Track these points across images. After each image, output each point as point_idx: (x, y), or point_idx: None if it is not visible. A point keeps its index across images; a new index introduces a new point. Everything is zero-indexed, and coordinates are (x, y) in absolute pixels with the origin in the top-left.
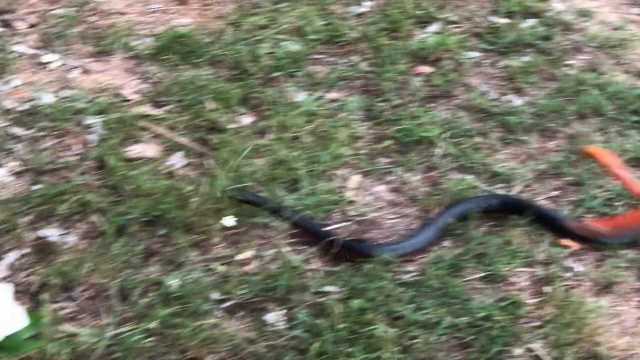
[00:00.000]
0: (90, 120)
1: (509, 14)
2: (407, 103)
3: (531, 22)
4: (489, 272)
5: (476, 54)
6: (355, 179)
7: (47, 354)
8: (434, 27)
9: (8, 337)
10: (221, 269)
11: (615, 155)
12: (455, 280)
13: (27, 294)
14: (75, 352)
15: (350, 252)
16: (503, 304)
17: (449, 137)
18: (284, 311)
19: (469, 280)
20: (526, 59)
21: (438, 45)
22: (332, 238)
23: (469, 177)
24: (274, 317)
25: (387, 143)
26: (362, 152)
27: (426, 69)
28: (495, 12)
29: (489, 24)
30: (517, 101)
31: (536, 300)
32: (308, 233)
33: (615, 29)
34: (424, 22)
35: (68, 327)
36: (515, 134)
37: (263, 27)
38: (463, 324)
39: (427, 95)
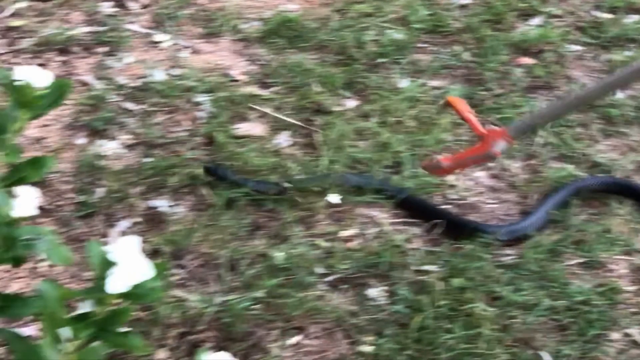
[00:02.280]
0: (200, 98)
1: (613, 9)
2: (509, 93)
3: (635, 17)
4: (587, 259)
5: (578, 47)
6: None
7: (160, 316)
8: (536, 20)
9: (135, 287)
10: (325, 244)
11: (465, 102)
12: (553, 265)
13: None
14: (185, 315)
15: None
16: (601, 289)
17: (550, 126)
18: (385, 287)
19: (567, 265)
20: (629, 53)
21: (541, 37)
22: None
23: (569, 166)
24: (376, 292)
25: None
26: (463, 138)
27: (528, 60)
28: (598, 7)
29: (592, 18)
30: (619, 94)
31: (635, 287)
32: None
33: None
34: (527, 14)
35: (178, 293)
36: (617, 126)
37: (368, 15)
38: (561, 307)
39: (529, 85)
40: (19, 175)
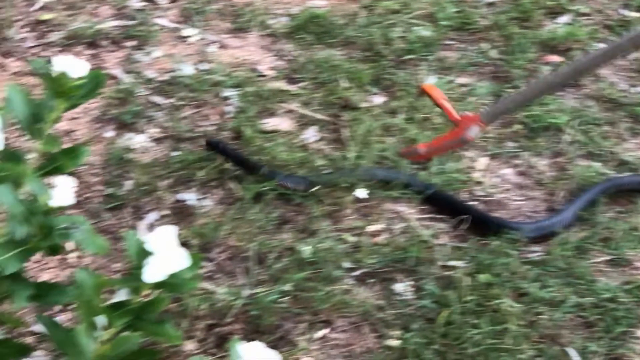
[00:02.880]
0: (228, 92)
1: None
2: None
3: None
4: (614, 256)
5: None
6: (483, 161)
7: (188, 308)
8: (564, 18)
9: (171, 276)
10: (352, 239)
11: (439, 89)
12: (580, 262)
13: None
14: (213, 308)
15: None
16: (628, 287)
17: (577, 124)
18: (412, 282)
19: (594, 262)
20: None
21: (568, 35)
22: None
23: (596, 164)
24: (402, 287)
25: (515, 127)
26: (490, 135)
27: (556, 58)
28: (626, 6)
29: (620, 17)
30: None
31: None
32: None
33: None
34: (555, 12)
35: (206, 285)
36: None
37: (395, 12)
38: (588, 304)
39: None
40: (54, 164)
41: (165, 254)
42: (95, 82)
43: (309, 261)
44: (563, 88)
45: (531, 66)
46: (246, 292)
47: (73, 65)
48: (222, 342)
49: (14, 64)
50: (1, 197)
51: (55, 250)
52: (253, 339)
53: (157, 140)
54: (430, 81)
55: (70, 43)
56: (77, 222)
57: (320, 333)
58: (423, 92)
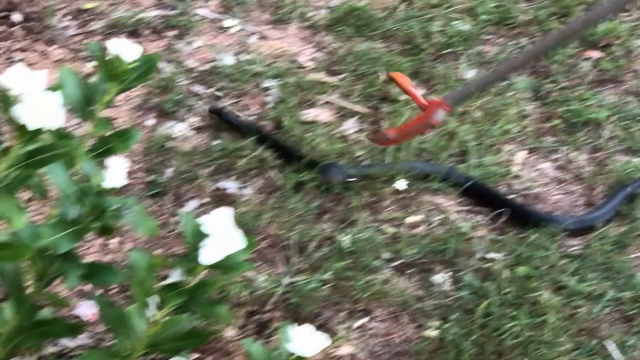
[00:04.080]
0: (268, 83)
1: None
2: (575, 86)
3: None
4: None
5: None
6: (521, 155)
7: (229, 295)
8: None
9: (226, 258)
10: (391, 230)
11: (406, 76)
12: (619, 257)
13: None
14: (253, 295)
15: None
16: None
17: (617, 120)
18: (450, 273)
19: (633, 257)
20: None
21: (608, 31)
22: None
23: (636, 160)
24: (441, 278)
25: (555, 122)
26: (528, 129)
27: (595, 53)
28: None
29: None
30: None
31: None
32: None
33: None
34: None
35: (247, 273)
36: None
37: (435, 6)
38: (626, 298)
39: (596, 79)
40: (106, 146)
41: (221, 235)
42: (147, 65)
43: (348, 251)
44: (524, 69)
45: (570, 61)
46: (286, 280)
47: (126, 49)
48: (262, 329)
49: (56, 52)
50: (54, 177)
51: (107, 230)
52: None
53: (198, 129)
54: (469, 75)
55: (111, 32)
56: (128, 203)
57: (359, 322)
58: (390, 79)
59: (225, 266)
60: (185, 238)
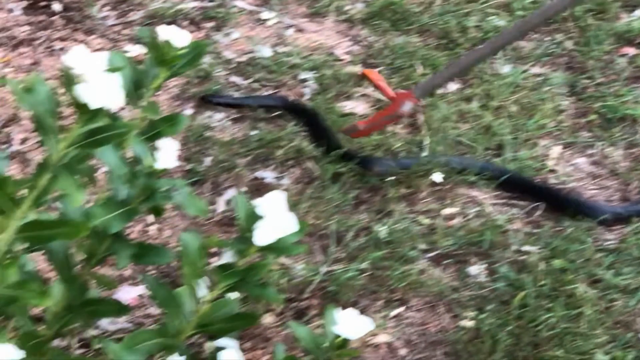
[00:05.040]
0: (305, 75)
1: None
2: (611, 81)
3: None
4: None
5: None
6: (556, 150)
7: (268, 282)
8: None
9: (279, 240)
10: (427, 221)
11: (377, 72)
12: None
13: None
14: (291, 283)
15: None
16: None
17: None
18: (486, 265)
19: None
20: None
21: None
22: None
23: None
24: (477, 269)
25: (591, 117)
26: (564, 124)
27: (631, 50)
28: None
29: None
30: None
31: None
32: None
33: None
34: (631, 6)
35: (285, 261)
36: None
37: (471, 1)
38: None
39: (632, 75)
40: (154, 130)
41: (274, 218)
42: (196, 52)
43: (385, 241)
44: (490, 58)
45: (606, 57)
46: (324, 268)
47: (176, 35)
48: (300, 316)
49: (95, 41)
50: (106, 158)
51: (157, 211)
52: None
53: (236, 120)
54: (505, 70)
55: (150, 22)
56: (177, 184)
57: (395, 311)
58: (363, 76)
59: (278, 248)
60: (238, 220)
